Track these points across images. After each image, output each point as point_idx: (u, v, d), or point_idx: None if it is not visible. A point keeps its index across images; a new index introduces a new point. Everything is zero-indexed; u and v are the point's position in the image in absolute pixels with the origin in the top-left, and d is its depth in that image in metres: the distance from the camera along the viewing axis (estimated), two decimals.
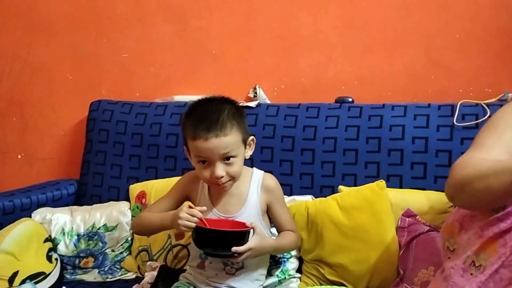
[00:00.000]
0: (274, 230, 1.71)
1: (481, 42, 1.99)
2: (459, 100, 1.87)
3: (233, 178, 1.54)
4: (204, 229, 1.45)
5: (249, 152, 1.60)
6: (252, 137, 1.60)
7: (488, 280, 1.13)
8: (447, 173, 1.72)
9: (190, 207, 1.49)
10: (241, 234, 1.47)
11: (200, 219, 1.47)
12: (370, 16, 2.10)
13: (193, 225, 1.45)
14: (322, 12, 2.15)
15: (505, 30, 1.96)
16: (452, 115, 1.84)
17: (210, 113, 1.49)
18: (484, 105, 1.83)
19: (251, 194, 1.61)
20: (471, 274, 1.18)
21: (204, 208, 1.51)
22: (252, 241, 1.47)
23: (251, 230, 1.49)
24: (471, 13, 1.99)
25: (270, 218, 1.67)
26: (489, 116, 1.76)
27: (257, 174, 1.65)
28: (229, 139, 1.48)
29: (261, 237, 1.51)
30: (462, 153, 1.70)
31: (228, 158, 1.50)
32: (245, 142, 1.56)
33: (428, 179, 1.81)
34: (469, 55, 2.01)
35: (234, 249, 1.43)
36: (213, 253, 1.51)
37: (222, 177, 1.50)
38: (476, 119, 1.80)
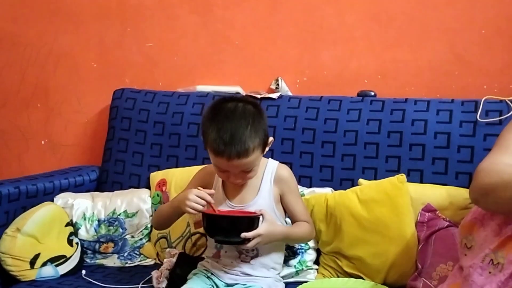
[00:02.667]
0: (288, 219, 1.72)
1: (506, 38, 1.97)
2: (483, 96, 1.85)
3: (249, 179, 1.59)
4: (214, 216, 1.49)
5: (266, 150, 1.60)
6: (271, 138, 1.60)
7: (508, 280, 1.13)
8: (469, 169, 1.76)
9: (199, 189, 1.52)
10: (249, 219, 1.49)
11: (209, 203, 1.51)
12: (395, 10, 2.09)
13: (200, 207, 1.50)
14: (347, 5, 2.14)
15: None
16: (476, 111, 1.82)
17: (233, 130, 1.47)
18: (509, 102, 1.81)
19: (264, 184, 1.63)
20: (490, 273, 1.18)
21: (213, 191, 1.55)
22: (262, 227, 1.49)
23: (260, 217, 1.51)
24: (497, 9, 1.97)
25: (284, 209, 1.68)
26: None
27: (272, 165, 1.66)
28: (251, 159, 1.49)
29: (271, 223, 1.53)
30: (485, 149, 1.74)
31: (247, 169, 1.53)
32: (264, 147, 1.56)
33: (449, 175, 1.79)
34: (495, 51, 1.98)
35: (243, 234, 1.45)
36: (223, 240, 1.54)
37: (239, 183, 1.57)
38: (500, 116, 1.78)
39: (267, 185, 1.63)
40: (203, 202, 1.51)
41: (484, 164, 1.27)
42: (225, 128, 1.47)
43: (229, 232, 1.47)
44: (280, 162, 1.69)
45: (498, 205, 1.21)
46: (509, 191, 1.15)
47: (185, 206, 1.51)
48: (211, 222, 1.50)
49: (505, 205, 1.18)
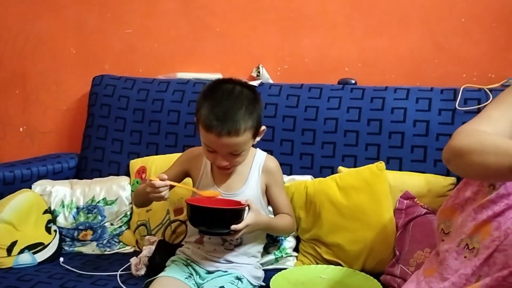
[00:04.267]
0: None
1: (486, 27, 1.98)
2: (462, 84, 1.87)
3: (236, 165, 1.57)
4: (200, 208, 1.47)
5: (257, 140, 1.60)
6: (263, 127, 1.59)
7: (482, 264, 1.14)
8: None
9: (151, 180, 1.50)
10: (237, 211, 1.48)
11: (171, 185, 1.51)
12: None
13: (164, 194, 1.50)
14: None
15: (510, 15, 1.94)
16: (455, 99, 1.83)
17: (227, 108, 1.47)
18: (487, 90, 1.82)
19: (252, 174, 1.63)
20: (465, 257, 1.19)
21: (164, 176, 1.51)
22: (249, 218, 1.48)
23: (246, 207, 1.50)
24: None
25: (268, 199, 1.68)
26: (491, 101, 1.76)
27: (260, 155, 1.66)
28: (241, 139, 1.48)
29: (256, 213, 1.52)
30: None
31: (235, 152, 1.52)
32: (256, 134, 1.55)
33: (428, 163, 1.81)
34: (474, 40, 2.00)
35: (233, 227, 1.44)
36: (208, 232, 1.51)
37: (226, 165, 1.54)
38: (478, 104, 1.80)
39: (255, 175, 1.63)
40: (161, 190, 1.49)
41: (465, 127, 1.26)
42: (220, 106, 1.48)
43: (215, 224, 1.46)
44: (260, 149, 1.69)
45: (468, 168, 1.18)
46: (483, 156, 1.12)
47: (149, 195, 1.52)
48: (196, 213, 1.48)
49: (475, 170, 1.16)
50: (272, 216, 1.69)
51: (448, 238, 1.28)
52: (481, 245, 1.16)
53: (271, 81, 2.18)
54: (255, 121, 1.51)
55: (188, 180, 1.71)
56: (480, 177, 1.19)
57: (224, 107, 1.47)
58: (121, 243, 1.99)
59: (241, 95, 1.51)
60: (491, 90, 1.82)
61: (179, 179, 1.68)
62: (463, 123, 1.71)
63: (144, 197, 1.59)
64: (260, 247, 1.68)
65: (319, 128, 1.94)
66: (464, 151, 1.18)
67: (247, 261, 1.62)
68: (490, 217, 1.17)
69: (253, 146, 1.63)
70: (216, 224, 1.46)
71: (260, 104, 1.56)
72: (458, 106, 1.81)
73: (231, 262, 1.59)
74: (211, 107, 1.48)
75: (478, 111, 1.77)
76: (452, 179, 1.75)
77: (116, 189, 2.04)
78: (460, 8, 2.00)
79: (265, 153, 1.68)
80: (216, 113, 1.46)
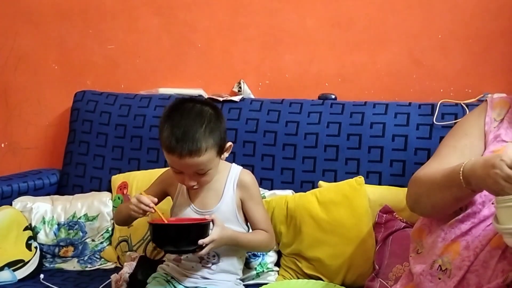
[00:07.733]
0: None
1: (462, 43, 2.01)
2: (439, 99, 1.90)
3: (204, 184, 1.57)
4: (163, 226, 1.46)
5: (225, 155, 1.60)
6: (229, 143, 1.59)
7: (456, 286, 1.17)
8: None
9: (140, 196, 1.52)
10: (202, 226, 1.47)
11: (155, 210, 1.51)
12: (355, 14, 2.12)
13: (141, 211, 1.51)
14: (308, 9, 2.16)
15: (486, 32, 1.98)
16: (432, 114, 1.86)
17: (187, 127, 1.46)
18: (464, 105, 1.86)
19: (227, 189, 1.62)
20: (439, 279, 1.22)
21: (155, 199, 1.53)
22: (214, 232, 1.48)
23: (211, 222, 1.50)
24: (453, 14, 2.01)
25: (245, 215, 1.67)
26: None
27: (235, 170, 1.65)
28: (203, 158, 1.47)
29: (221, 228, 1.52)
30: None
31: (201, 171, 1.52)
32: (221, 151, 1.55)
33: (406, 177, 1.82)
34: (451, 56, 2.03)
35: (201, 241, 1.43)
36: (175, 250, 1.51)
37: (193, 186, 1.54)
38: (455, 119, 1.82)
39: (230, 191, 1.62)
40: (143, 206, 1.50)
41: (418, 173, 1.37)
42: (179, 126, 1.47)
43: (179, 242, 1.44)
44: (241, 164, 1.69)
45: (427, 210, 1.31)
46: (430, 197, 1.24)
47: (130, 211, 1.53)
48: (158, 232, 1.47)
49: (431, 210, 1.28)
50: (248, 230, 1.69)
51: (420, 258, 1.31)
52: (453, 266, 1.19)
53: (252, 96, 2.20)
54: (218, 138, 1.51)
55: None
56: (439, 214, 1.29)
57: (183, 127, 1.46)
58: (102, 259, 1.99)
59: (201, 113, 1.50)
60: (467, 105, 1.85)
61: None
62: (440, 137, 1.80)
63: (125, 215, 1.60)
64: (239, 265, 1.67)
65: (300, 143, 1.96)
66: (417, 198, 1.32)
67: (226, 278, 1.61)
68: (458, 236, 1.21)
69: (230, 161, 1.65)
70: (181, 241, 1.44)
71: (222, 122, 1.55)
72: (435, 121, 1.84)
73: (209, 279, 1.59)
74: (171, 128, 1.47)
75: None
76: None
77: (98, 205, 2.03)
78: (437, 25, 2.03)
79: (240, 168, 1.67)
80: (176, 134, 1.46)
